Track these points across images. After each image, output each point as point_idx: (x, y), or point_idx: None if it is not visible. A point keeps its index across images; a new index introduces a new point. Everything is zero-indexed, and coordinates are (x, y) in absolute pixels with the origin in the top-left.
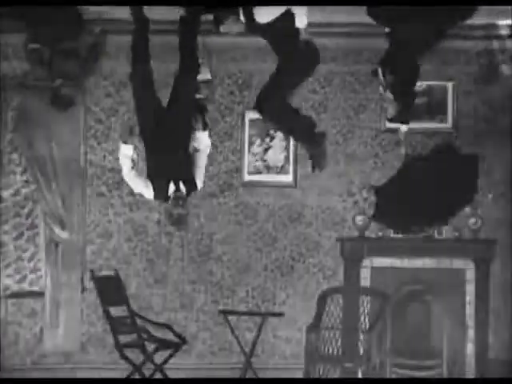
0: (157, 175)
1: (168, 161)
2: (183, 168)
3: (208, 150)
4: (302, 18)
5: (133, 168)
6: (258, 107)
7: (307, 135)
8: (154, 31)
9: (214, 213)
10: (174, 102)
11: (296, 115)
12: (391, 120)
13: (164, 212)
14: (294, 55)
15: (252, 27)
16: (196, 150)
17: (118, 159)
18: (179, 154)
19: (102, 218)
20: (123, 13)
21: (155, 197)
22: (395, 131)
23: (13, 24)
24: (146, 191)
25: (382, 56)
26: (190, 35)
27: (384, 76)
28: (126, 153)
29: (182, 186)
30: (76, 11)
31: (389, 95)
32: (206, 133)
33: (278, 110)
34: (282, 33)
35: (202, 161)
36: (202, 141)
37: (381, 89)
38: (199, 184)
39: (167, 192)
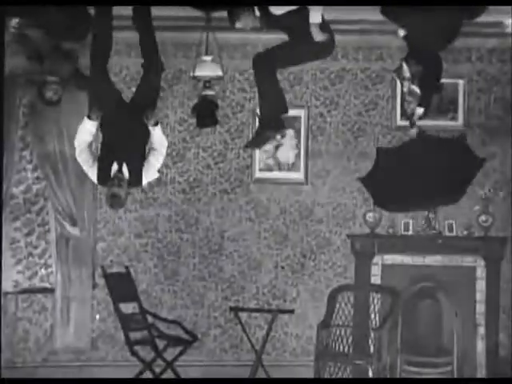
0: (105, 158)
1: (119, 148)
2: (133, 157)
3: (164, 151)
4: (316, 14)
5: (89, 146)
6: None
7: (273, 116)
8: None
9: (224, 210)
10: (137, 96)
11: (276, 92)
12: (413, 115)
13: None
14: (306, 37)
15: (267, 21)
16: (152, 148)
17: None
18: (132, 145)
19: (112, 215)
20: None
21: (98, 179)
22: (407, 129)
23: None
24: (91, 171)
25: (407, 52)
26: (147, 31)
27: (410, 69)
28: (89, 128)
29: (125, 168)
30: (84, 10)
31: (415, 88)
32: (159, 130)
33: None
34: (297, 22)
35: (155, 159)
36: (157, 139)
37: (406, 84)
38: (144, 180)
39: (110, 174)
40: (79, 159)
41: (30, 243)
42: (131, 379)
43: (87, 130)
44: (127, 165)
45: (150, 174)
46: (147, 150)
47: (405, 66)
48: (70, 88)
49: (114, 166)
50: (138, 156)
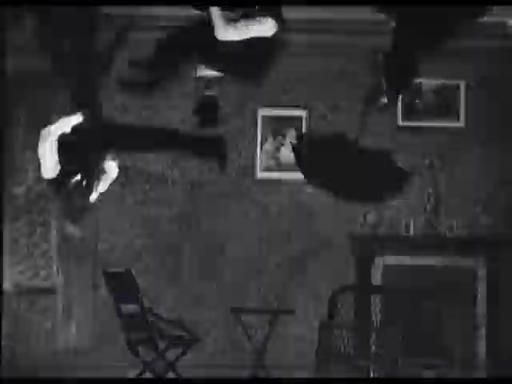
0: (68, 166)
1: (86, 161)
2: (92, 174)
3: (110, 180)
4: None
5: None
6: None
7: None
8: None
9: (226, 210)
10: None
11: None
12: (367, 102)
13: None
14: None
15: None
16: (104, 171)
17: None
18: (93, 161)
19: (113, 215)
20: (138, 10)
21: (54, 186)
22: (411, 129)
23: (24, 21)
24: (50, 169)
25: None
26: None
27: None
28: (65, 128)
29: (85, 182)
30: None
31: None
32: (115, 164)
33: None
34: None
35: (101, 184)
36: (110, 169)
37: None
38: (91, 198)
39: (67, 181)
40: (45, 144)
41: (31, 243)
42: (132, 379)
43: (69, 122)
44: (87, 178)
45: (94, 194)
46: (99, 171)
47: (381, 56)
48: None
49: (77, 177)
50: (93, 174)
